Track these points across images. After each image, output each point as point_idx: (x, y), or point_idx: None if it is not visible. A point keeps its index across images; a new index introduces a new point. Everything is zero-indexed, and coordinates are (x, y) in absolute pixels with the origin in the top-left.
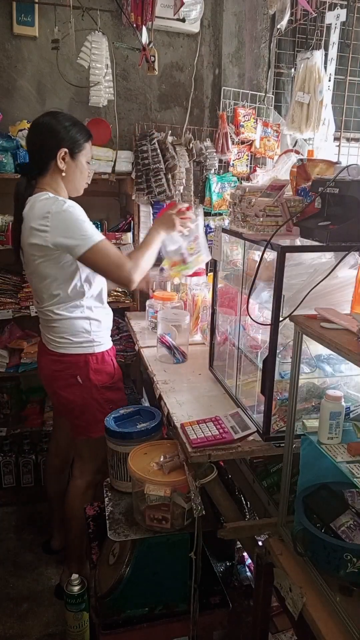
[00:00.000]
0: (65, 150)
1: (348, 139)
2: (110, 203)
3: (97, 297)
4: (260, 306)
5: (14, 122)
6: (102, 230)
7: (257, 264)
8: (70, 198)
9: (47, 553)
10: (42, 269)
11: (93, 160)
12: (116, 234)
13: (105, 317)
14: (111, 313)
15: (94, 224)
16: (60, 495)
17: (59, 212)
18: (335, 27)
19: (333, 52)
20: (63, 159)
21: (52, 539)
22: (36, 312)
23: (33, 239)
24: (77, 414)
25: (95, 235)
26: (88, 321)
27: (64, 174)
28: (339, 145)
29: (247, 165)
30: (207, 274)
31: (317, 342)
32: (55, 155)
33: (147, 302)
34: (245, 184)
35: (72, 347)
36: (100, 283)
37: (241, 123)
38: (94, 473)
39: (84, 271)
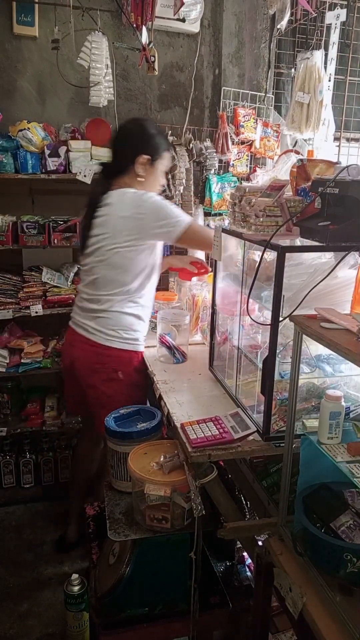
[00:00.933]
0: (147, 156)
1: (348, 139)
2: None
3: (150, 302)
4: (260, 306)
5: (14, 122)
6: None
7: (257, 264)
8: None
9: (61, 551)
10: (118, 258)
11: (93, 160)
12: None
13: (148, 322)
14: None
15: None
16: (84, 485)
17: (152, 202)
18: (335, 27)
19: (333, 52)
20: (143, 164)
21: (67, 529)
22: (78, 302)
23: (123, 228)
24: (108, 407)
25: (183, 218)
26: (138, 320)
27: (141, 179)
28: (339, 146)
29: (247, 166)
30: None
31: (317, 342)
32: (136, 160)
33: None
34: (245, 184)
35: (121, 342)
36: (154, 283)
37: (241, 123)
38: None
39: (149, 267)
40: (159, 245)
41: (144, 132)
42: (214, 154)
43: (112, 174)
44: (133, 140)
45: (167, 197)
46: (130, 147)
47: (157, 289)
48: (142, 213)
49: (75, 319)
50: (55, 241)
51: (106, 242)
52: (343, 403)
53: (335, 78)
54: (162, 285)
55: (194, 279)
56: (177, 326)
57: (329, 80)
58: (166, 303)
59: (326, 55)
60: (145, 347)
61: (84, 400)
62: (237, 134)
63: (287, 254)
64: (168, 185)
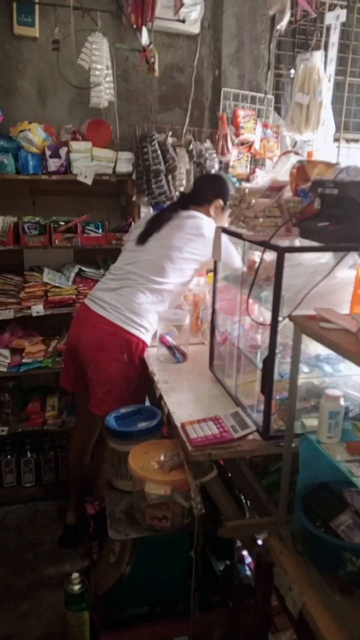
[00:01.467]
0: (222, 203)
1: (347, 140)
2: (110, 204)
3: (173, 300)
4: (260, 306)
5: (14, 123)
6: (102, 231)
7: (257, 265)
8: None
9: (64, 547)
10: (178, 259)
11: (94, 161)
12: (116, 234)
13: (158, 317)
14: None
15: (94, 224)
16: (80, 473)
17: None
18: (335, 28)
19: (333, 52)
20: (217, 207)
21: (67, 512)
22: (106, 280)
23: (195, 241)
24: (108, 389)
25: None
26: (154, 313)
27: (211, 217)
28: (338, 146)
29: (246, 167)
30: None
31: (317, 342)
32: (213, 201)
33: None
34: (245, 185)
35: (134, 326)
36: (185, 290)
37: (241, 124)
38: None
39: (190, 280)
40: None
41: (226, 183)
42: (214, 155)
43: (191, 201)
44: (217, 186)
45: (168, 198)
46: (213, 190)
47: None
48: (203, 236)
49: (93, 295)
50: (57, 242)
51: (176, 244)
52: (342, 402)
53: (335, 79)
54: None
55: (194, 278)
56: (177, 326)
57: (329, 81)
58: None
59: (326, 56)
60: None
61: (82, 376)
62: (237, 135)
63: (286, 255)
64: (168, 186)
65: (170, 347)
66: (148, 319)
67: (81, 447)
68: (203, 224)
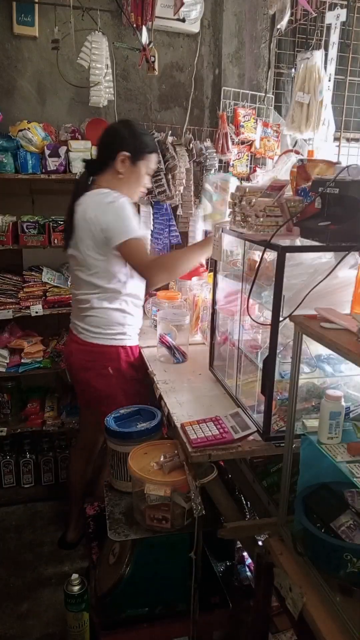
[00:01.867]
0: (126, 154)
1: (348, 139)
2: None
3: (135, 294)
4: (260, 306)
5: (14, 122)
6: None
7: (257, 264)
8: None
9: (63, 548)
10: (91, 260)
11: None
12: None
13: (138, 315)
14: (142, 315)
15: None
16: (82, 488)
17: (112, 202)
18: (335, 27)
19: (333, 52)
20: (123, 162)
21: (67, 531)
22: (72, 303)
23: (86, 230)
24: (106, 403)
25: (136, 231)
26: (123, 314)
27: (121, 176)
28: (339, 146)
29: (247, 166)
30: (207, 274)
31: (317, 342)
32: (116, 157)
33: (150, 300)
34: (245, 184)
35: (106, 338)
36: (139, 281)
37: (241, 123)
38: None
39: (126, 268)
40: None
41: (128, 130)
42: (214, 154)
43: (95, 170)
44: (117, 138)
45: (167, 197)
46: (113, 144)
47: (159, 289)
48: (98, 213)
49: (71, 319)
50: (56, 241)
51: (79, 246)
52: (343, 403)
53: (335, 78)
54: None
55: (194, 278)
56: (177, 326)
57: (329, 80)
58: (169, 302)
59: (326, 55)
60: (146, 347)
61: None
62: (237, 134)
63: (287, 254)
64: (168, 185)
65: (170, 347)
66: (120, 323)
67: (82, 463)
68: (85, 209)
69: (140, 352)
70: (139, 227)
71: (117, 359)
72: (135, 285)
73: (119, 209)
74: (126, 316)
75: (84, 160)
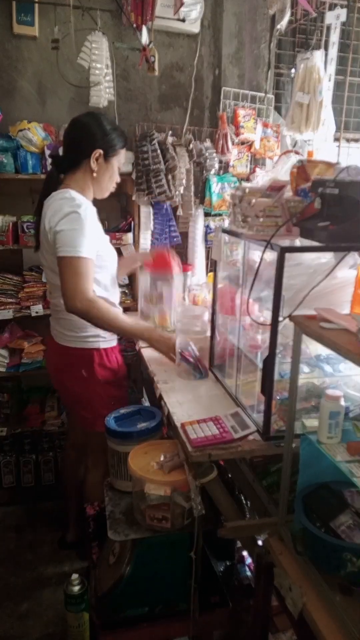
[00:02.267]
0: (100, 151)
1: (348, 140)
2: (110, 203)
3: (105, 294)
4: (260, 306)
5: (14, 122)
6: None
7: (257, 265)
8: (93, 200)
9: (63, 548)
10: (54, 265)
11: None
12: (116, 234)
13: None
14: (120, 309)
15: None
16: (76, 489)
17: (70, 213)
18: (336, 27)
19: (333, 52)
20: (97, 159)
21: (67, 532)
22: (48, 306)
23: (45, 233)
24: (84, 406)
25: (83, 251)
26: None
27: (94, 175)
28: (338, 146)
29: (247, 166)
30: (207, 274)
31: (317, 342)
32: (90, 155)
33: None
34: (245, 184)
35: (79, 341)
36: (108, 279)
37: (241, 124)
38: (107, 464)
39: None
40: (99, 244)
41: (99, 126)
42: (214, 154)
43: (64, 168)
44: (88, 135)
45: (168, 198)
46: (84, 141)
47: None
48: (55, 221)
49: (50, 321)
50: None
51: (42, 247)
52: (342, 403)
53: (335, 78)
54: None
55: (194, 278)
56: (195, 339)
57: (329, 81)
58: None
59: (326, 55)
60: (146, 347)
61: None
62: (237, 135)
63: (287, 254)
64: (168, 185)
65: (191, 362)
66: (88, 327)
67: (74, 464)
68: (47, 214)
69: (119, 352)
70: (94, 244)
71: (89, 361)
72: (103, 288)
73: (74, 221)
74: None
75: (51, 156)
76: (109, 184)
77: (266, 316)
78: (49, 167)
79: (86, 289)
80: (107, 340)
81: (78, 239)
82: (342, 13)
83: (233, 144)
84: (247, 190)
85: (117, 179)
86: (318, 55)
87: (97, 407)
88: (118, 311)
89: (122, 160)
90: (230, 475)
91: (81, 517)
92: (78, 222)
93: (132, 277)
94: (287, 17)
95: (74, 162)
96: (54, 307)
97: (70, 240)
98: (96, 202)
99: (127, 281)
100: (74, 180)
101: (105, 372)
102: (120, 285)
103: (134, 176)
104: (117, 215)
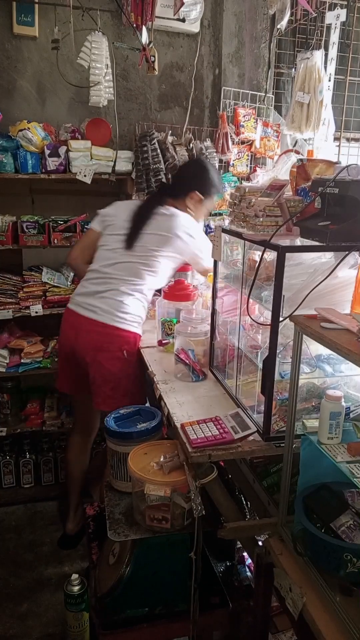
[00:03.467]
0: (200, 196)
1: (348, 139)
2: (110, 203)
3: (152, 293)
4: (260, 306)
5: (14, 122)
6: None
7: (257, 264)
8: None
9: (63, 548)
10: (157, 264)
11: (93, 160)
12: None
13: (147, 307)
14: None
15: None
16: (80, 476)
17: (199, 233)
18: (335, 27)
19: (333, 52)
20: (195, 200)
21: (66, 521)
22: (86, 283)
23: (170, 243)
24: (113, 385)
25: (205, 251)
26: (142, 305)
27: (190, 212)
28: (339, 145)
29: (247, 165)
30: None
31: (317, 342)
32: (190, 195)
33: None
34: (245, 184)
35: (126, 323)
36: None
37: (241, 123)
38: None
39: (169, 277)
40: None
41: (206, 173)
42: (214, 153)
43: (166, 195)
44: (195, 179)
45: None
46: (189, 181)
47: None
48: (192, 238)
49: (78, 301)
50: (55, 241)
51: (153, 247)
52: (343, 403)
53: (335, 78)
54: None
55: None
56: (196, 341)
57: (329, 80)
58: (182, 305)
59: (326, 55)
60: (146, 347)
61: (80, 378)
62: (237, 134)
63: (287, 254)
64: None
65: (188, 364)
66: (137, 313)
67: (80, 449)
68: (176, 224)
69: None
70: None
71: (133, 343)
72: (159, 283)
73: (205, 238)
74: (143, 308)
75: (161, 184)
76: (199, 220)
77: (266, 316)
78: (49, 167)
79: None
80: (140, 328)
81: (206, 250)
82: (342, 13)
83: (233, 143)
84: (247, 190)
85: (204, 220)
86: (318, 55)
87: (127, 386)
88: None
89: (212, 205)
90: (230, 476)
91: (82, 506)
92: (203, 235)
93: None
94: (287, 17)
95: (176, 195)
96: (109, 284)
97: (204, 255)
98: (97, 202)
99: None
100: (175, 205)
101: (137, 356)
102: None
103: (133, 175)
104: None
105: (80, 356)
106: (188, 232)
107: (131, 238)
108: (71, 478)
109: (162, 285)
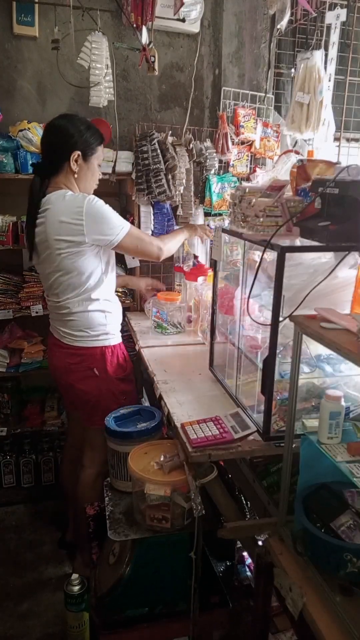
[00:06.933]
0: (79, 152)
1: (348, 140)
2: (110, 203)
3: (111, 291)
4: (260, 306)
5: (14, 122)
6: None
7: (257, 264)
8: None
9: (63, 548)
10: (68, 262)
11: None
12: None
13: (117, 310)
14: (121, 306)
15: None
16: (74, 489)
17: (91, 207)
18: (335, 27)
19: (333, 52)
20: (76, 161)
21: (66, 531)
22: (48, 308)
23: (64, 233)
24: (93, 405)
25: (125, 223)
26: (104, 314)
27: (76, 175)
28: (338, 146)
29: (247, 166)
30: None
31: (317, 342)
32: (69, 157)
33: (151, 301)
34: (245, 184)
35: (89, 340)
36: (113, 276)
37: (241, 123)
38: (104, 463)
39: (103, 263)
40: None
41: (73, 127)
42: (214, 154)
43: (47, 173)
44: (65, 138)
45: (168, 197)
46: (62, 144)
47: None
48: (80, 219)
49: (51, 323)
50: None
51: (52, 249)
52: (343, 403)
53: (335, 78)
54: (168, 286)
55: (199, 278)
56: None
57: (329, 81)
58: (169, 303)
59: (326, 55)
60: (146, 347)
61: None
62: (237, 134)
63: (287, 254)
64: (168, 185)
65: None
66: (102, 323)
67: (74, 463)
68: (56, 211)
69: (124, 348)
70: (121, 218)
71: (101, 359)
72: (111, 285)
73: (99, 212)
74: (107, 315)
75: (33, 165)
76: (92, 182)
77: (266, 316)
78: None
79: (150, 240)
80: (115, 337)
81: (113, 222)
82: (342, 13)
83: (233, 143)
84: (247, 190)
85: (99, 175)
86: (318, 55)
87: (108, 404)
88: (165, 236)
89: (100, 157)
90: (230, 476)
91: (77, 518)
92: (102, 210)
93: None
94: (287, 17)
95: (55, 166)
96: (59, 310)
97: (112, 229)
98: None
99: None
100: (60, 182)
101: (116, 368)
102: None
103: (133, 176)
104: None
105: (57, 379)
106: (76, 214)
107: (31, 250)
108: (66, 492)
109: (113, 283)
